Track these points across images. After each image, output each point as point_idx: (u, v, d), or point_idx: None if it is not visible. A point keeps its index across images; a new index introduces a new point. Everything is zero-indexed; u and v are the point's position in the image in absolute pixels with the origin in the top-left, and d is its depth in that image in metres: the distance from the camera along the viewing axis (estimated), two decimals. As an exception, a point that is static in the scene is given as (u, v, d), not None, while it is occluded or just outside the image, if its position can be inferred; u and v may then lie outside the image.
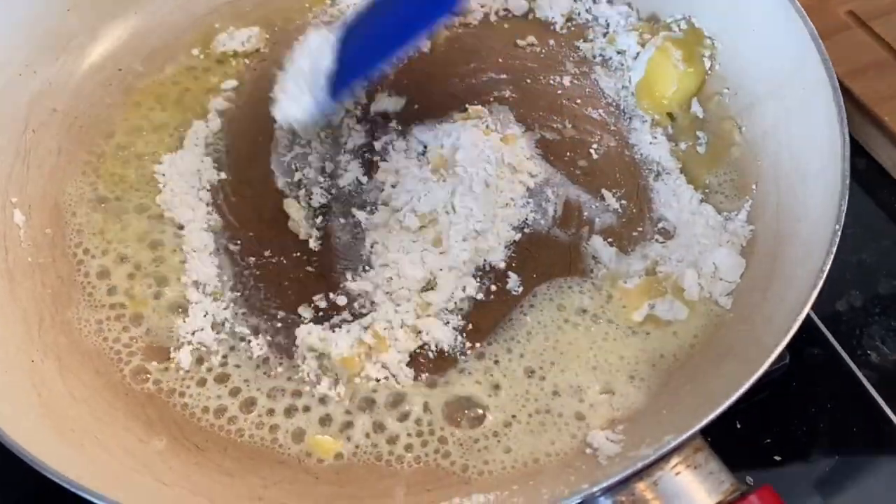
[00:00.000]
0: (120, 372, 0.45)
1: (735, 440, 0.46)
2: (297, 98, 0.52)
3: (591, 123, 0.56)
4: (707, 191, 0.52)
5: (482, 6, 0.62)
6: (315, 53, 0.52)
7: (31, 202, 0.50)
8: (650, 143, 0.55)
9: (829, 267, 0.43)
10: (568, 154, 0.54)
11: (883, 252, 0.60)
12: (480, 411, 0.44)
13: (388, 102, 0.57)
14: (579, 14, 0.62)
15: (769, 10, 0.52)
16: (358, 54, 0.51)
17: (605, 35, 0.61)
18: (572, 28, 0.62)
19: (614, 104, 0.57)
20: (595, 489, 0.35)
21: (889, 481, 0.50)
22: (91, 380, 0.44)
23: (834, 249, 0.43)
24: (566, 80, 0.58)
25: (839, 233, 0.43)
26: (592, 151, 0.55)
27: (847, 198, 0.44)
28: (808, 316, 0.49)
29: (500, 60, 0.59)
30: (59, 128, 0.54)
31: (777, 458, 0.50)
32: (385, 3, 0.52)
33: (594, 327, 0.47)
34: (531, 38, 0.60)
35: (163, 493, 0.40)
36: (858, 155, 0.63)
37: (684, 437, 0.35)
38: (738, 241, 0.49)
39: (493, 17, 0.62)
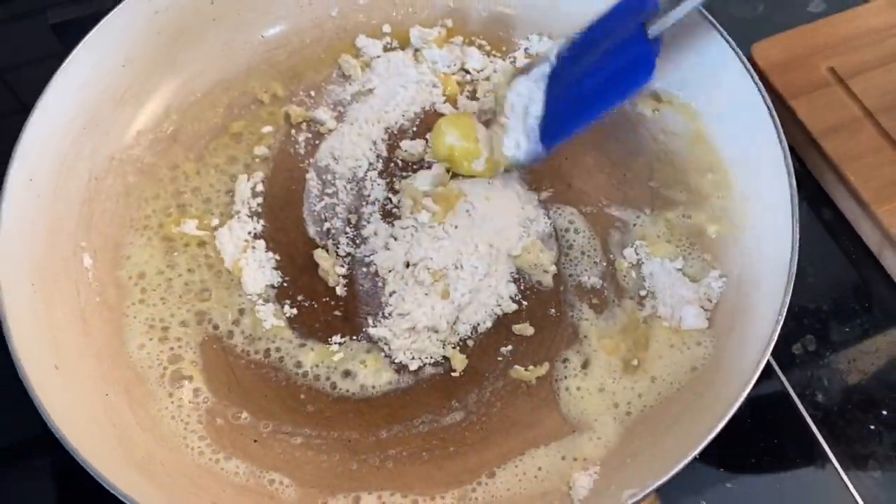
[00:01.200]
0: (178, 403, 0.52)
1: (695, 471, 0.52)
2: (518, 140, 0.58)
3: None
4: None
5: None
6: (525, 100, 0.57)
7: (97, 246, 0.56)
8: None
9: (776, 338, 0.50)
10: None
11: (838, 301, 0.65)
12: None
13: (409, 145, 0.63)
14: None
15: (742, 100, 0.58)
16: (564, 115, 0.56)
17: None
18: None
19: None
20: None
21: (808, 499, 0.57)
22: (155, 412, 0.51)
23: (779, 328, 0.50)
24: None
25: (780, 322, 0.50)
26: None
27: (791, 288, 0.51)
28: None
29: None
30: (117, 175, 0.59)
31: (728, 485, 0.56)
32: (589, 63, 0.56)
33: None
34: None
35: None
36: (826, 206, 0.68)
37: (645, 493, 0.43)
38: (707, 302, 0.56)
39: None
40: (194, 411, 0.52)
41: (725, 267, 0.57)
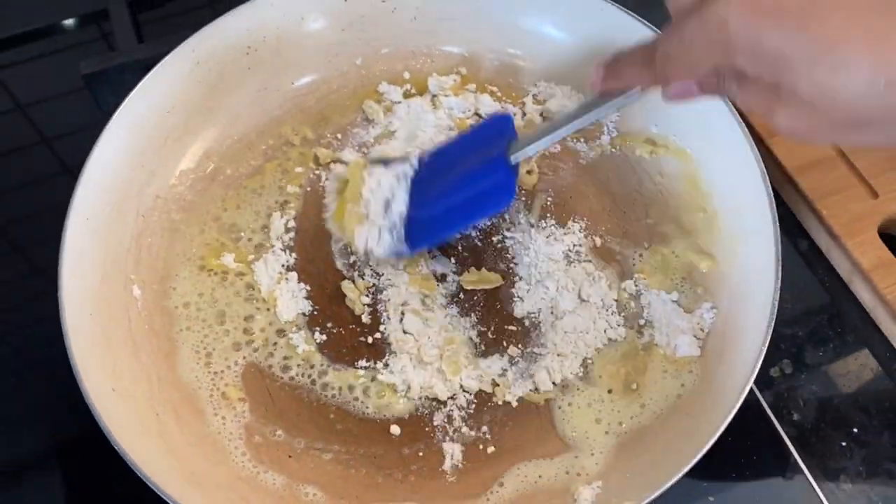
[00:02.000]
0: (222, 421, 0.58)
1: (680, 485, 0.53)
2: (375, 235, 0.60)
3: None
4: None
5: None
6: (387, 193, 0.60)
7: (144, 278, 0.61)
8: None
9: (760, 364, 0.55)
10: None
11: (813, 327, 0.68)
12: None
13: None
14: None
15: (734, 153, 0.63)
16: (431, 224, 0.60)
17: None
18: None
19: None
20: None
21: None
22: (201, 429, 0.56)
23: (763, 354, 0.55)
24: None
25: (764, 350, 0.55)
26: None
27: (774, 319, 0.56)
28: None
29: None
30: (162, 212, 0.64)
31: (710, 498, 0.60)
32: (455, 178, 0.60)
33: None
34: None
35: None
36: (802, 237, 0.72)
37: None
38: (699, 331, 0.61)
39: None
40: (236, 429, 0.57)
41: (716, 299, 0.62)
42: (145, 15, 0.82)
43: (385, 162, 0.62)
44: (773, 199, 0.60)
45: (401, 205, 0.60)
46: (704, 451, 0.51)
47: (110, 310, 0.58)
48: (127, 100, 0.62)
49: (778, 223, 0.60)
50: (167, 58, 0.64)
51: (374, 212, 0.60)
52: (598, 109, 0.52)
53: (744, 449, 0.63)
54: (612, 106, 0.52)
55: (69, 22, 0.84)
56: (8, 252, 0.71)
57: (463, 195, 0.59)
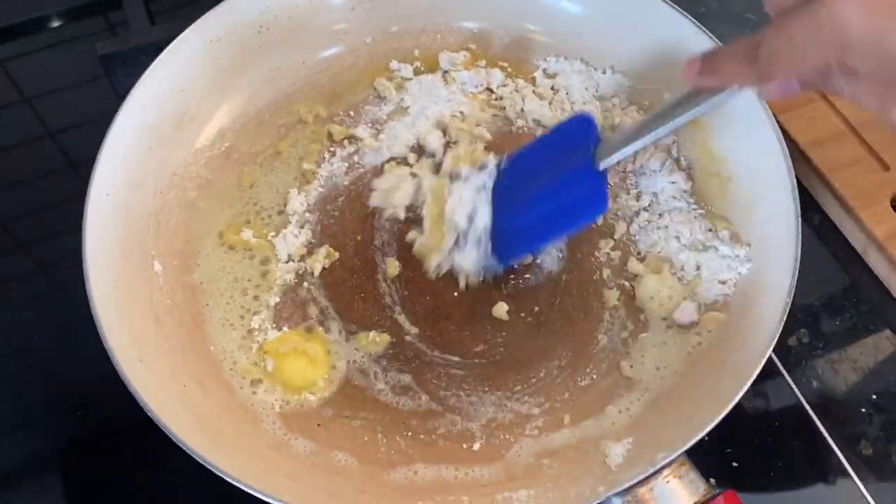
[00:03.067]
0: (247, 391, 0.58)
1: (703, 450, 0.55)
2: (468, 254, 0.59)
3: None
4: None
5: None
6: (468, 208, 0.59)
7: (164, 254, 0.61)
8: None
9: (781, 328, 0.55)
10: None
11: (829, 297, 0.70)
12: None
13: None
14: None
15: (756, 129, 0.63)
16: (519, 236, 0.58)
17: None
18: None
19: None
20: (611, 493, 0.48)
21: (816, 485, 0.61)
22: (228, 399, 0.56)
23: (784, 318, 0.55)
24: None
25: (789, 304, 0.55)
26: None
27: (795, 281, 0.56)
28: None
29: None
30: (179, 189, 0.64)
31: (734, 464, 0.60)
32: (539, 188, 0.58)
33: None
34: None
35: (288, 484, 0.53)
36: (815, 212, 0.73)
37: (674, 455, 0.48)
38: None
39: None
40: (264, 399, 0.57)
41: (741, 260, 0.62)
42: (156, 4, 0.82)
43: (458, 175, 0.61)
44: (790, 161, 0.61)
45: (484, 218, 0.59)
46: (734, 403, 0.51)
47: (131, 285, 0.58)
48: (142, 78, 0.63)
49: (796, 184, 0.60)
50: (180, 37, 0.65)
51: (460, 228, 0.59)
52: (691, 110, 0.50)
53: (765, 416, 0.63)
54: (707, 106, 0.50)
55: (76, 11, 0.84)
56: (11, 248, 0.71)
57: (552, 205, 0.57)
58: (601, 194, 0.56)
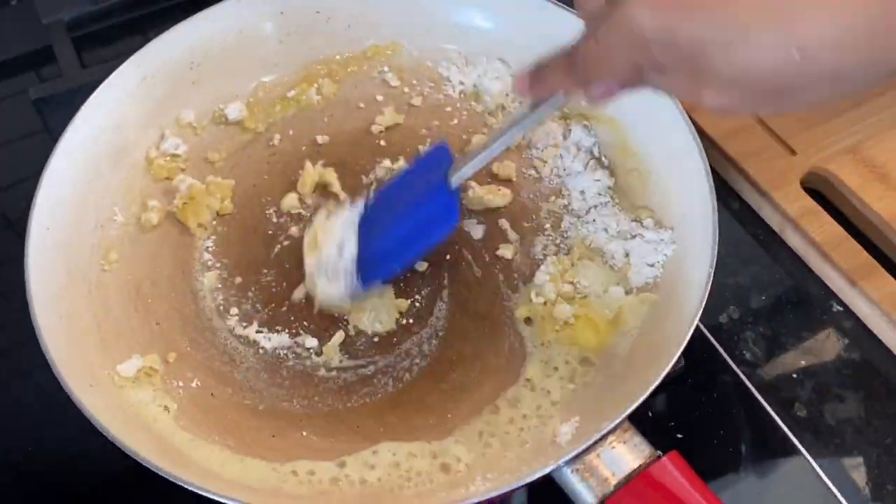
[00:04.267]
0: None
1: (648, 424, 0.57)
2: (335, 283, 0.61)
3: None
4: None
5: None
6: (338, 240, 0.62)
7: (107, 284, 0.63)
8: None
9: (705, 301, 0.58)
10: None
11: (753, 275, 0.73)
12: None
13: None
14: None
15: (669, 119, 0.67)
16: (381, 259, 0.61)
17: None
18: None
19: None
20: (561, 462, 0.50)
21: (757, 448, 0.64)
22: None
23: (708, 289, 0.58)
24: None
25: (712, 275, 0.58)
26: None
27: (716, 255, 0.59)
28: (699, 327, 0.65)
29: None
30: (120, 225, 0.66)
31: (679, 435, 0.63)
32: (398, 213, 0.62)
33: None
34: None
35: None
36: (733, 198, 0.77)
37: (618, 421, 0.50)
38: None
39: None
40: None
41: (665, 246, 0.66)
42: (87, 54, 0.85)
43: (334, 213, 0.64)
44: (704, 153, 0.64)
45: (352, 248, 0.62)
46: (666, 371, 0.53)
47: (80, 313, 0.59)
48: (78, 114, 0.64)
49: (711, 172, 0.64)
50: (114, 74, 0.67)
51: (327, 259, 0.62)
52: (525, 121, 0.54)
53: (705, 389, 0.67)
54: (538, 115, 0.53)
55: (6, 66, 0.86)
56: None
57: (407, 225, 0.61)
58: (452, 208, 0.59)
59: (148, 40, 0.70)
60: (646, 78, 0.43)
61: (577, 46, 0.45)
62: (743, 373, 0.67)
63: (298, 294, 0.64)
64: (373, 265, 0.61)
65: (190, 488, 0.49)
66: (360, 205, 0.64)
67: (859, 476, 0.64)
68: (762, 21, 0.36)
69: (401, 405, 0.60)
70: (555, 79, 0.48)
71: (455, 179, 0.58)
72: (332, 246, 0.62)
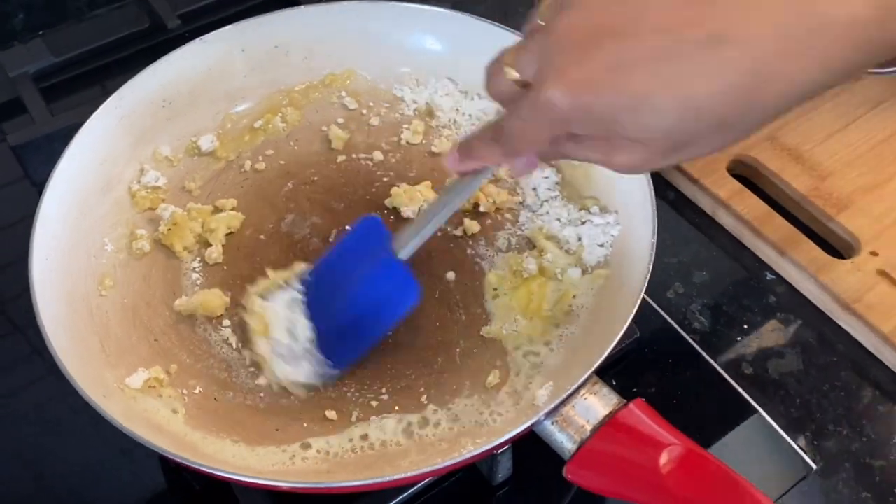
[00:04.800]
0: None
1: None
2: (297, 366, 0.62)
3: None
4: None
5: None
6: (287, 323, 0.62)
7: (106, 308, 0.67)
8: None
9: (648, 279, 0.62)
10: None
11: (693, 254, 0.80)
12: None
13: None
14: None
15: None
16: (348, 340, 0.62)
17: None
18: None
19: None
20: (540, 415, 0.55)
21: (712, 403, 0.70)
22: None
23: (652, 260, 0.63)
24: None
25: (654, 245, 0.64)
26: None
27: (655, 240, 0.63)
28: (650, 304, 0.72)
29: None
30: (110, 254, 0.70)
31: (634, 390, 0.68)
32: (351, 291, 0.62)
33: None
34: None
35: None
36: (669, 189, 0.84)
37: (586, 375, 0.56)
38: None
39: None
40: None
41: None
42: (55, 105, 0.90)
43: (267, 295, 0.65)
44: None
45: (305, 330, 0.62)
46: (625, 328, 0.59)
47: (83, 335, 0.63)
48: (64, 154, 0.68)
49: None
50: (92, 116, 0.71)
51: (278, 344, 0.62)
52: (461, 192, 0.56)
53: (661, 357, 0.73)
54: (472, 185, 0.55)
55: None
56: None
57: (368, 306, 0.62)
58: (410, 284, 0.60)
59: (107, 88, 0.76)
60: (563, 150, 0.49)
61: (501, 125, 0.50)
62: (693, 340, 0.74)
63: (261, 381, 0.64)
64: (340, 347, 0.62)
65: (219, 474, 0.54)
66: (294, 284, 0.65)
67: (803, 419, 0.70)
68: (659, 90, 0.41)
69: (392, 384, 0.65)
70: (484, 151, 0.53)
71: (403, 253, 0.59)
72: (282, 329, 0.62)
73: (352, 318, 0.62)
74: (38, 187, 0.70)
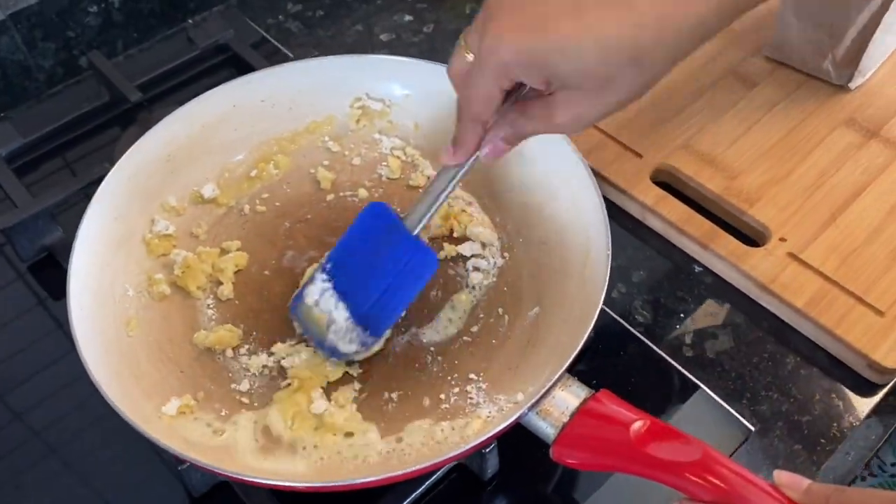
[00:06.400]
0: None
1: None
2: (350, 341, 0.69)
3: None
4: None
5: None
6: (325, 308, 0.69)
7: (137, 347, 0.75)
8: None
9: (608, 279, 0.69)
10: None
11: (629, 256, 0.85)
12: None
13: None
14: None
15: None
16: (381, 311, 0.68)
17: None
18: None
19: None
20: (525, 409, 0.62)
21: (662, 386, 0.76)
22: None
23: (608, 275, 0.69)
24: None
25: (610, 257, 0.69)
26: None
27: (611, 248, 0.70)
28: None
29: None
30: (132, 299, 0.78)
31: (594, 381, 0.69)
32: (375, 269, 0.68)
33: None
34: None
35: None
36: (607, 203, 0.87)
37: (559, 373, 0.64)
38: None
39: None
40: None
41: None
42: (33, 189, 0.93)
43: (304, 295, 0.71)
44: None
45: (343, 311, 0.69)
46: (587, 334, 0.66)
47: (120, 372, 0.71)
48: (84, 219, 0.75)
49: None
50: (106, 178, 0.78)
51: (341, 328, 0.69)
52: (457, 173, 0.63)
53: (613, 349, 0.79)
54: (466, 163, 0.62)
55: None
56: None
57: (394, 280, 0.68)
58: (429, 254, 0.68)
59: (78, 162, 0.90)
60: (515, 126, 0.57)
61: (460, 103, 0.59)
62: (639, 332, 0.79)
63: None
64: (376, 319, 0.69)
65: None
66: (319, 274, 0.71)
67: (740, 389, 0.76)
68: (578, 31, 0.48)
69: (393, 410, 0.71)
70: (465, 138, 0.60)
71: (417, 230, 0.66)
72: (337, 315, 0.69)
73: (384, 289, 0.68)
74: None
